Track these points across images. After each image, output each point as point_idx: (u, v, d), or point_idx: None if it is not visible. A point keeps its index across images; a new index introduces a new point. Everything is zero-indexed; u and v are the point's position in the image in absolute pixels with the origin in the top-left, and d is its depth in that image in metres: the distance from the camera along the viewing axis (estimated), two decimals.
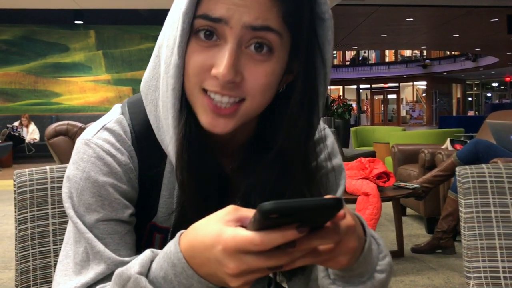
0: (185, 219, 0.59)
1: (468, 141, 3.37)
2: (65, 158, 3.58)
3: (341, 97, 16.55)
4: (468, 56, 25.85)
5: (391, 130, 7.51)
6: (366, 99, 33.98)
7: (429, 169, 3.48)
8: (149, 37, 11.35)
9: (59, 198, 0.93)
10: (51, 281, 0.92)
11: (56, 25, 11.33)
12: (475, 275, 1.19)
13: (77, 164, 0.64)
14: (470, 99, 37.16)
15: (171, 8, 0.63)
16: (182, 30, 0.57)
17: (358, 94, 33.29)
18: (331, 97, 11.79)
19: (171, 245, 0.52)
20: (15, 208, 0.94)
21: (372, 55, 33.70)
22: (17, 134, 9.82)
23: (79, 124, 3.91)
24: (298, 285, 0.72)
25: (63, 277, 0.62)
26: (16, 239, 0.94)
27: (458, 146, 3.66)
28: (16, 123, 10.23)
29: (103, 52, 11.52)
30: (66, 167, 0.69)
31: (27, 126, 10.20)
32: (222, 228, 0.46)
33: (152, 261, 0.54)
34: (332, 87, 32.27)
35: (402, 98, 33.93)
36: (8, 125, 10.02)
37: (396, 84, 32.65)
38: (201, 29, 0.58)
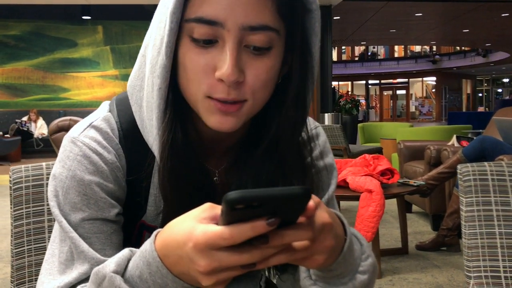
0: (172, 219, 0.58)
1: (474, 138, 3.34)
2: None
3: (349, 93, 16.48)
4: (478, 52, 25.60)
5: (399, 126, 7.46)
6: (375, 94, 33.80)
7: (434, 166, 3.45)
8: None
9: None
10: None
11: (64, 21, 11.39)
12: (475, 274, 1.18)
13: (63, 162, 0.63)
14: (480, 95, 36.82)
15: (158, 7, 0.62)
16: (170, 30, 0.56)
17: (367, 89, 33.12)
18: (339, 93, 11.74)
19: (147, 244, 0.51)
20: (11, 204, 0.94)
21: (381, 51, 33.49)
22: (25, 129, 9.91)
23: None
24: (286, 285, 0.72)
25: (48, 276, 0.62)
26: (11, 236, 0.94)
27: (464, 143, 3.62)
28: (25, 118, 10.31)
29: (110, 47, 11.57)
30: None
31: (35, 121, 10.28)
32: (194, 226, 0.45)
33: (129, 260, 0.53)
34: (340, 83, 32.14)
35: (411, 94, 33.70)
36: (16, 120, 10.11)
37: (405, 80, 32.43)
38: (199, 39, 0.56)
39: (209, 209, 0.46)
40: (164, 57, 0.57)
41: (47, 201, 0.94)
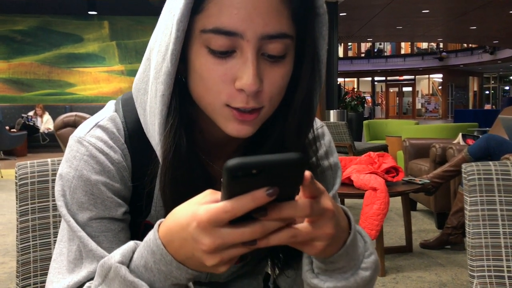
0: None
1: (480, 136, 3.32)
2: None
3: (355, 90, 16.43)
4: (485, 49, 25.43)
5: (404, 124, 7.43)
6: (381, 91, 33.68)
7: (440, 164, 3.44)
8: None
9: None
10: None
11: (71, 16, 11.42)
12: (479, 274, 1.17)
13: (70, 162, 0.64)
14: (487, 92, 36.58)
15: (163, 11, 0.61)
16: (176, 39, 0.56)
17: (373, 86, 33.01)
18: (345, 89, 11.71)
19: (150, 234, 0.52)
20: (17, 200, 0.95)
21: (387, 47, 33.35)
22: (31, 123, 9.97)
23: (87, 116, 3.94)
24: (287, 282, 0.72)
25: (57, 275, 0.63)
26: (17, 231, 0.95)
27: (470, 141, 3.60)
28: (31, 113, 10.37)
29: (116, 42, 11.60)
30: None
31: (41, 116, 10.34)
32: (197, 208, 0.46)
33: (134, 252, 0.54)
34: (346, 79, 32.04)
35: (418, 91, 33.56)
36: (23, 115, 10.17)
37: (412, 77, 32.29)
38: (217, 51, 0.56)
39: (210, 194, 0.47)
40: (169, 64, 0.57)
41: (53, 197, 0.95)
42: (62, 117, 3.67)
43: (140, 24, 11.56)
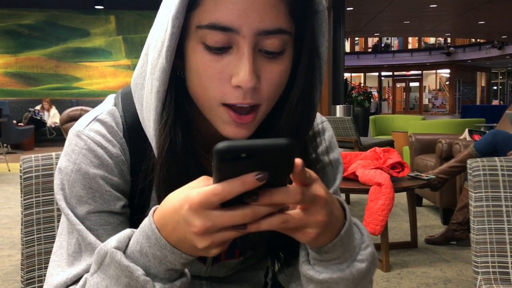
0: None
1: (487, 132, 3.30)
2: None
3: (361, 85, 16.37)
4: (494, 44, 25.21)
5: (411, 119, 7.40)
6: (388, 86, 33.51)
7: (446, 160, 3.42)
8: None
9: None
10: None
11: (77, 10, 11.45)
12: (483, 270, 1.17)
13: (69, 155, 0.64)
14: (495, 88, 36.28)
15: (160, 8, 0.61)
16: (171, 35, 0.55)
17: (380, 81, 32.85)
18: (351, 84, 11.67)
19: (146, 219, 0.52)
20: (21, 193, 0.95)
21: (394, 42, 33.15)
22: (38, 117, 10.02)
23: None
24: (283, 276, 0.72)
25: (56, 268, 0.63)
26: (22, 224, 0.95)
27: (476, 137, 3.58)
28: (38, 107, 10.43)
29: (123, 37, 11.62)
30: None
31: (48, 110, 10.39)
32: (190, 191, 0.47)
33: (130, 238, 0.54)
34: (353, 74, 31.91)
35: (425, 86, 33.36)
36: (30, 109, 10.23)
37: (419, 72, 32.09)
38: (213, 47, 0.56)
39: (204, 180, 0.48)
40: (164, 60, 0.56)
41: None
42: (67, 111, 3.69)
43: (147, 18, 11.57)
